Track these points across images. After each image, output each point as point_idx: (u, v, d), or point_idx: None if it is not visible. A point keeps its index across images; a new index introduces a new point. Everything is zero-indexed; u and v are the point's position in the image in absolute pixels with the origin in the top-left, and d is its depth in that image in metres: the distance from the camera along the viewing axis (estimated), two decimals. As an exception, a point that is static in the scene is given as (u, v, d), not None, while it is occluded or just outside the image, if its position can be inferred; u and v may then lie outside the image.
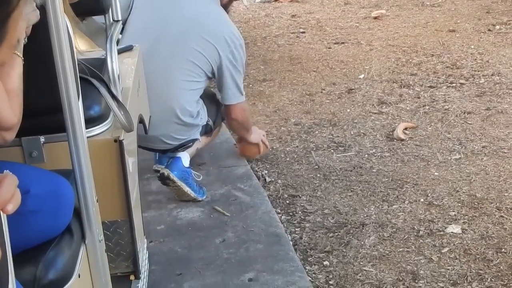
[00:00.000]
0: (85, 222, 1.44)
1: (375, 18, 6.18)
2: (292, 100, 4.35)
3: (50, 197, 1.33)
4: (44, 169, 1.52)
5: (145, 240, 2.47)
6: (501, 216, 2.83)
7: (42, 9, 1.40)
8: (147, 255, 2.41)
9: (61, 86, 1.35)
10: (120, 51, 2.67)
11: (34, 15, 1.43)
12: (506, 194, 3.00)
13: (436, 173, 3.25)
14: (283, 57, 5.27)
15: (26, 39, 1.41)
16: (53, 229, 1.35)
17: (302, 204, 3.07)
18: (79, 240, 1.43)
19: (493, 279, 2.42)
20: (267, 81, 4.73)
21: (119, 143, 1.94)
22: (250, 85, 4.64)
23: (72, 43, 1.55)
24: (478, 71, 4.62)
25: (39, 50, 1.47)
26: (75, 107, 1.38)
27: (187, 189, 3.02)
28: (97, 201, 1.59)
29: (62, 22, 1.34)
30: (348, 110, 4.13)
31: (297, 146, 3.68)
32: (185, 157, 3.11)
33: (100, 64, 2.18)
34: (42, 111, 1.72)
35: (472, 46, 5.18)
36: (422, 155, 3.46)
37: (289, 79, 4.75)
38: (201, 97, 3.14)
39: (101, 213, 1.72)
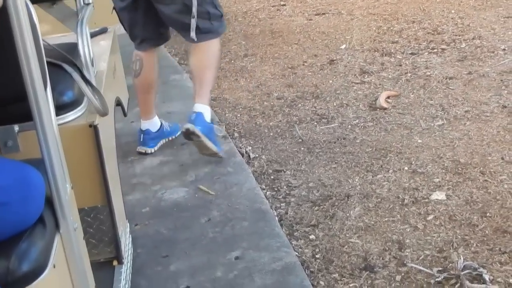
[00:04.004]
0: (58, 211, 1.41)
1: (355, -14, 6.13)
2: (274, 74, 4.32)
3: (18, 188, 1.30)
4: (10, 159, 1.48)
5: (128, 224, 2.45)
6: (485, 180, 2.82)
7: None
8: (130, 240, 2.40)
9: (24, 72, 1.31)
10: (94, 34, 2.64)
11: (-6, 2, 1.39)
12: (489, 158, 2.99)
13: (419, 141, 3.24)
14: (264, 31, 5.23)
15: (-12, 26, 1.37)
16: (25, 220, 1.32)
17: (286, 179, 3.05)
18: (53, 229, 1.40)
19: (478, 244, 2.42)
20: (248, 56, 4.70)
21: (94, 128, 1.92)
22: (232, 61, 4.61)
23: (36, 28, 1.51)
24: (459, 36, 4.60)
25: (4, 36, 1.44)
26: (40, 94, 1.34)
27: (209, 143, 3.03)
28: (71, 189, 1.57)
29: (22, 6, 1.30)
30: (331, 82, 4.10)
31: (280, 121, 3.66)
32: (207, 112, 3.09)
33: (73, 48, 2.14)
34: (13, 99, 1.68)
35: (453, 11, 5.15)
36: (405, 123, 3.45)
37: (270, 53, 4.72)
38: None
39: (80, 200, 1.69)
